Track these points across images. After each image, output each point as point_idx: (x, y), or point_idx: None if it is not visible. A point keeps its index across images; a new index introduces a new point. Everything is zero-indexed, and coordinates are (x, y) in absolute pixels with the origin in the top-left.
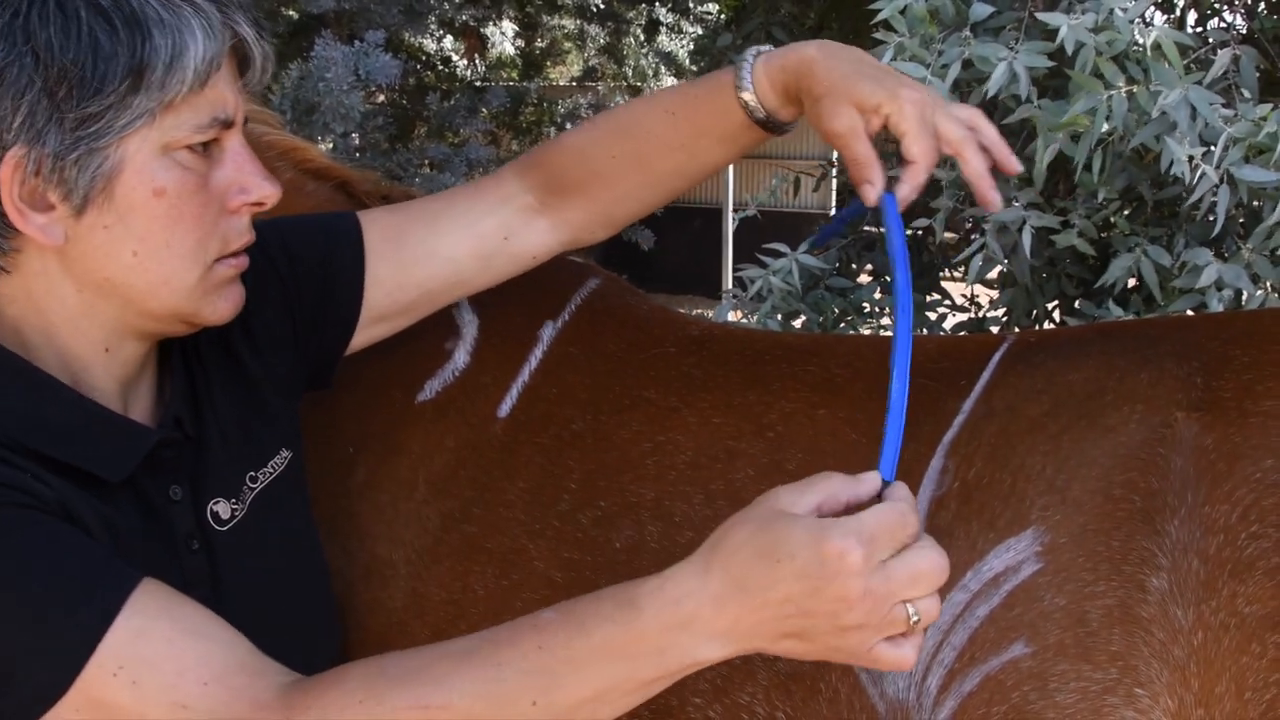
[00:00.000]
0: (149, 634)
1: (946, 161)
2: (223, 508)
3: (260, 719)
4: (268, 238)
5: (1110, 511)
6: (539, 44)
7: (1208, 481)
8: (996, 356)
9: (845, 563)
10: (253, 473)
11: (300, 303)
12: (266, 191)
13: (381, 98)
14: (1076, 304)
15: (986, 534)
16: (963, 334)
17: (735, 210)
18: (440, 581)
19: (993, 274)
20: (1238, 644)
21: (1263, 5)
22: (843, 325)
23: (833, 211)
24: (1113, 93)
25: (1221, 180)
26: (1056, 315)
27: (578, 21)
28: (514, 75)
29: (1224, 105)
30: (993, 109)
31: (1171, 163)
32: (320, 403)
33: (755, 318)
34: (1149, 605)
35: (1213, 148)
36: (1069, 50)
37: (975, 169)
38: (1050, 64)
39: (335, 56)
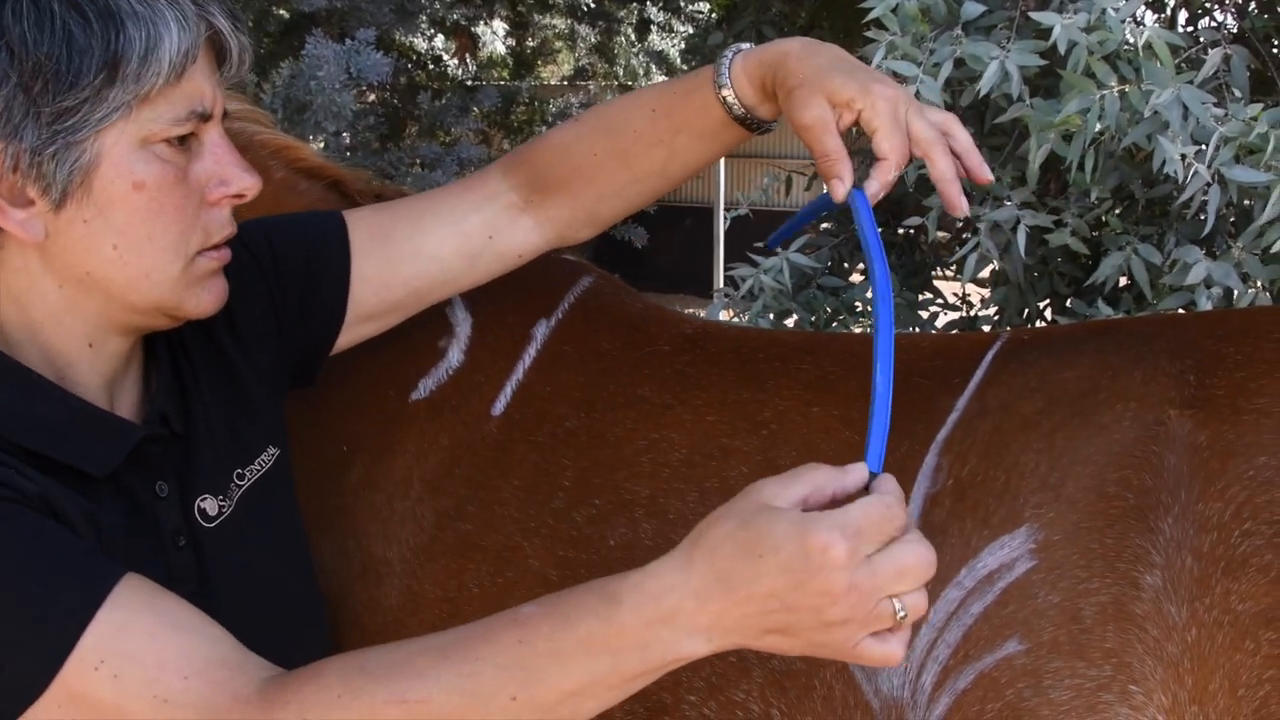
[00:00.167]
0: (131, 628)
1: None
2: (210, 504)
3: (240, 712)
4: (253, 235)
5: (1104, 509)
6: (529, 43)
7: (1201, 479)
8: (990, 354)
9: (829, 557)
10: (240, 470)
11: (285, 300)
12: (247, 183)
13: (372, 97)
14: (1068, 302)
15: (980, 531)
16: (956, 332)
17: (727, 209)
18: (435, 579)
19: (984, 273)
20: (1231, 641)
21: (1253, 5)
22: (835, 324)
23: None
24: (1105, 92)
25: (1213, 179)
26: (1048, 314)
27: (568, 21)
28: (504, 75)
29: (1215, 105)
30: (984, 108)
31: (1164, 162)
32: (315, 402)
33: (747, 317)
34: (1143, 602)
35: (1204, 147)
36: (1061, 49)
37: (942, 172)
38: (1042, 63)
39: (327, 55)
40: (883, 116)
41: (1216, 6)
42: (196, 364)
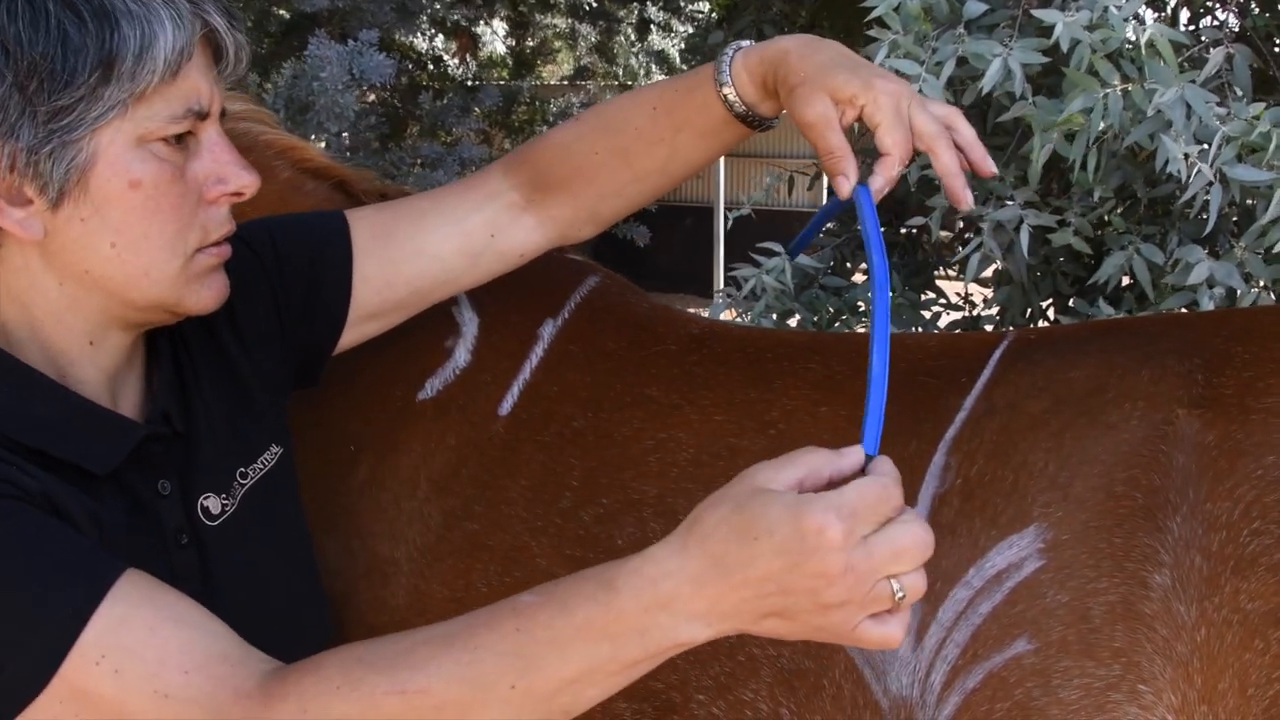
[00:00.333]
0: (131, 622)
1: None
2: (213, 503)
3: (241, 707)
4: (256, 236)
5: (1112, 508)
6: (529, 43)
7: (1209, 478)
8: (997, 354)
9: (824, 538)
10: (243, 468)
11: (288, 300)
12: (245, 181)
13: (372, 97)
14: (1071, 302)
15: (989, 531)
16: (961, 332)
17: (728, 209)
18: (443, 579)
19: (987, 272)
20: (1240, 640)
21: (1254, 4)
22: (837, 324)
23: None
24: (1108, 91)
25: (1215, 179)
26: (1051, 313)
27: (569, 20)
28: (504, 75)
29: (1218, 104)
30: (986, 107)
31: (1167, 161)
32: (321, 401)
33: (749, 317)
34: (1152, 602)
35: (1207, 146)
36: (1064, 48)
37: (946, 165)
38: (1045, 61)
39: (330, 56)
40: (885, 111)
41: (1218, 5)
42: (199, 362)
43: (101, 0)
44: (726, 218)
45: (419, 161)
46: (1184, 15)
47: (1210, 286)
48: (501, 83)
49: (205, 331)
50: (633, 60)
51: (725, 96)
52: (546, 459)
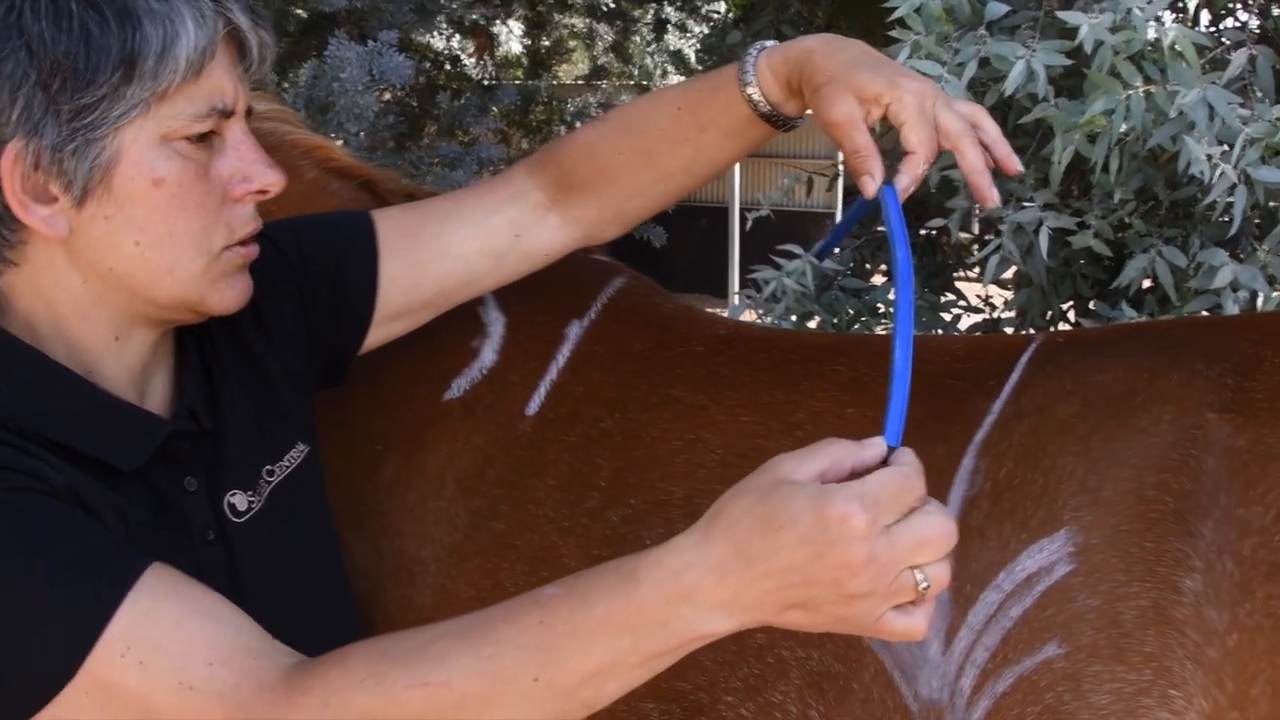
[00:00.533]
0: (156, 615)
1: None
2: (239, 500)
3: (265, 700)
4: (282, 235)
5: (1143, 513)
6: (544, 42)
7: (1241, 483)
8: (1025, 357)
9: (847, 527)
10: (269, 466)
11: (314, 299)
12: (270, 179)
13: (388, 96)
14: (1091, 305)
15: (1019, 534)
16: (989, 334)
17: (746, 210)
18: (469, 579)
19: (1006, 274)
20: (1273, 645)
21: (1276, 5)
22: (857, 326)
23: (839, 212)
24: (1131, 92)
25: (1239, 180)
26: (1071, 316)
27: (587, 20)
28: (519, 74)
29: (1240, 105)
30: (1008, 108)
31: (1189, 163)
32: (348, 401)
33: (770, 319)
34: (1183, 607)
35: (1230, 148)
36: (1088, 49)
37: (972, 163)
38: (1068, 63)
39: (350, 56)
40: (910, 110)
41: (1239, 6)
42: (226, 361)
43: (125, 0)
44: (745, 218)
45: (437, 161)
46: (1204, 17)
47: (1234, 290)
48: (519, 82)
49: (232, 330)
50: (648, 60)
51: (749, 96)
52: (573, 459)
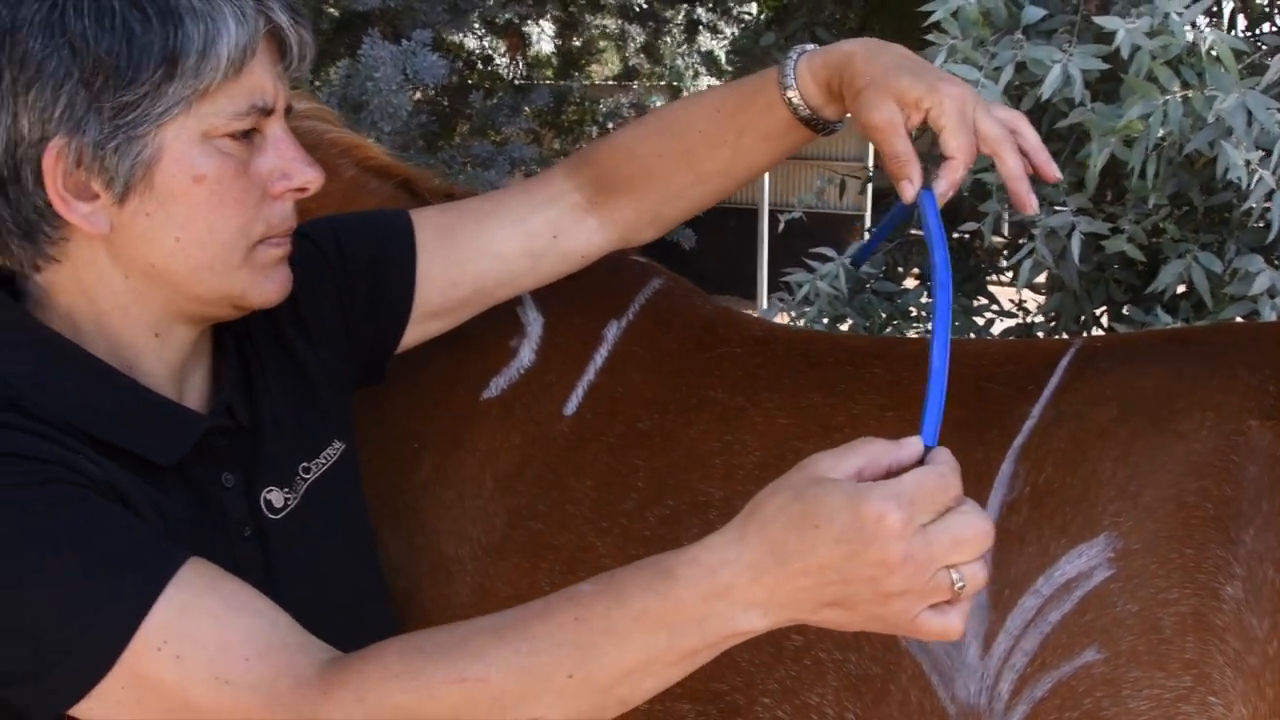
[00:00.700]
0: (194, 609)
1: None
2: (276, 496)
3: (300, 695)
4: (321, 234)
5: (1183, 519)
6: (575, 43)
7: None
8: (1064, 361)
9: (884, 526)
10: (306, 463)
11: (352, 297)
12: (309, 177)
13: (419, 95)
14: (1125, 310)
15: (1058, 539)
16: (1028, 339)
17: (778, 212)
18: (507, 578)
19: (1040, 279)
20: None
21: None
22: (889, 329)
23: (868, 214)
24: (1168, 97)
25: (1277, 186)
26: (1104, 320)
27: (619, 21)
28: (549, 74)
29: (1279, 110)
30: (1043, 112)
31: (1227, 169)
32: (386, 399)
33: (802, 321)
34: (1223, 613)
35: (1267, 153)
36: (1124, 54)
37: (1011, 169)
38: (1105, 67)
39: (384, 56)
40: (950, 115)
41: (1277, 11)
42: (265, 358)
43: None
44: (777, 220)
45: (469, 160)
46: (1241, 22)
47: (1271, 296)
48: (551, 83)
49: (271, 327)
50: (679, 61)
51: (789, 99)
52: (611, 459)
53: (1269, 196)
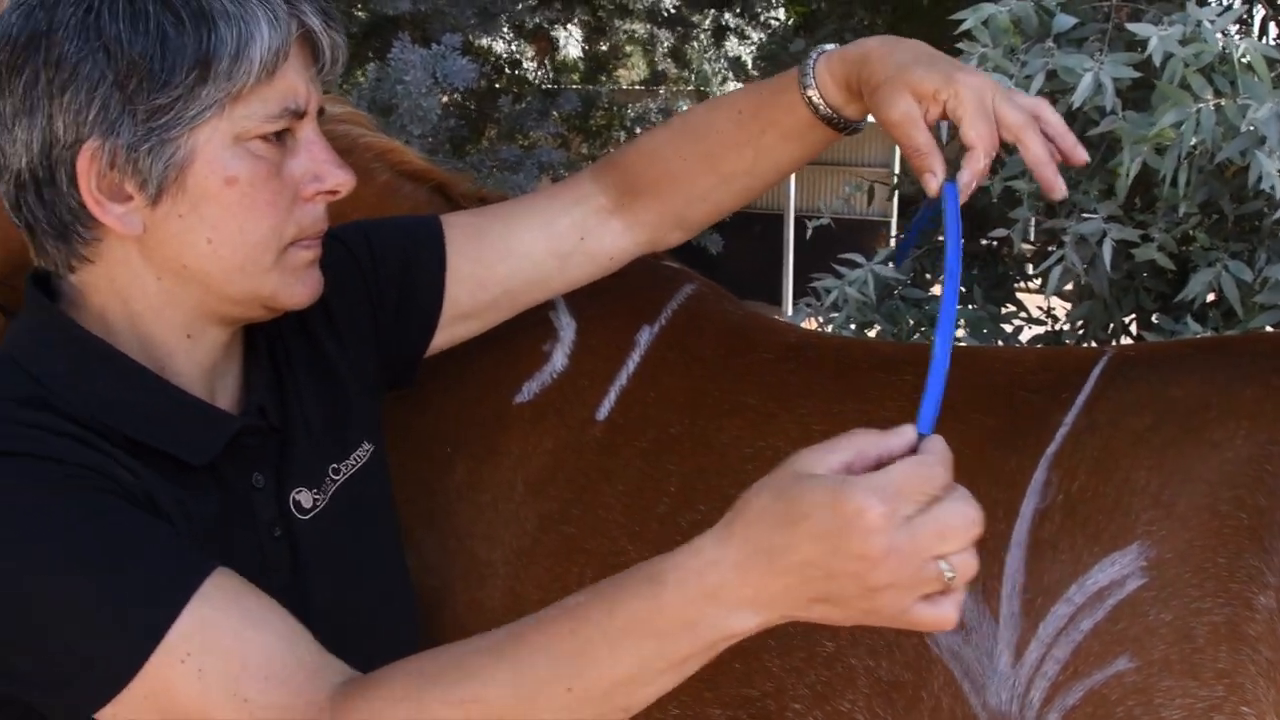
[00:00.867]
0: (217, 625)
1: (1025, 174)
2: (305, 497)
3: (312, 718)
4: (353, 238)
5: (1217, 528)
6: (602, 47)
7: None
8: (1097, 370)
9: (864, 520)
10: (335, 465)
11: (383, 300)
12: (340, 179)
13: (446, 99)
14: (1154, 318)
15: (1091, 547)
16: (1060, 347)
17: (805, 218)
18: (538, 582)
19: (1068, 286)
20: None
21: None
22: (916, 336)
23: (894, 221)
24: (1201, 106)
25: None
26: (1133, 329)
27: (647, 26)
28: (576, 78)
29: None
30: (1073, 120)
31: (1260, 177)
32: (419, 403)
33: (830, 327)
34: (1257, 623)
35: None
36: (1157, 62)
37: (1037, 154)
38: (1136, 75)
39: (413, 60)
40: (968, 104)
41: None
42: (295, 360)
43: (200, 1)
44: (803, 226)
45: (496, 164)
46: (1273, 30)
47: None
48: (578, 87)
49: (302, 330)
50: (706, 66)
51: (809, 98)
52: (644, 465)
53: None
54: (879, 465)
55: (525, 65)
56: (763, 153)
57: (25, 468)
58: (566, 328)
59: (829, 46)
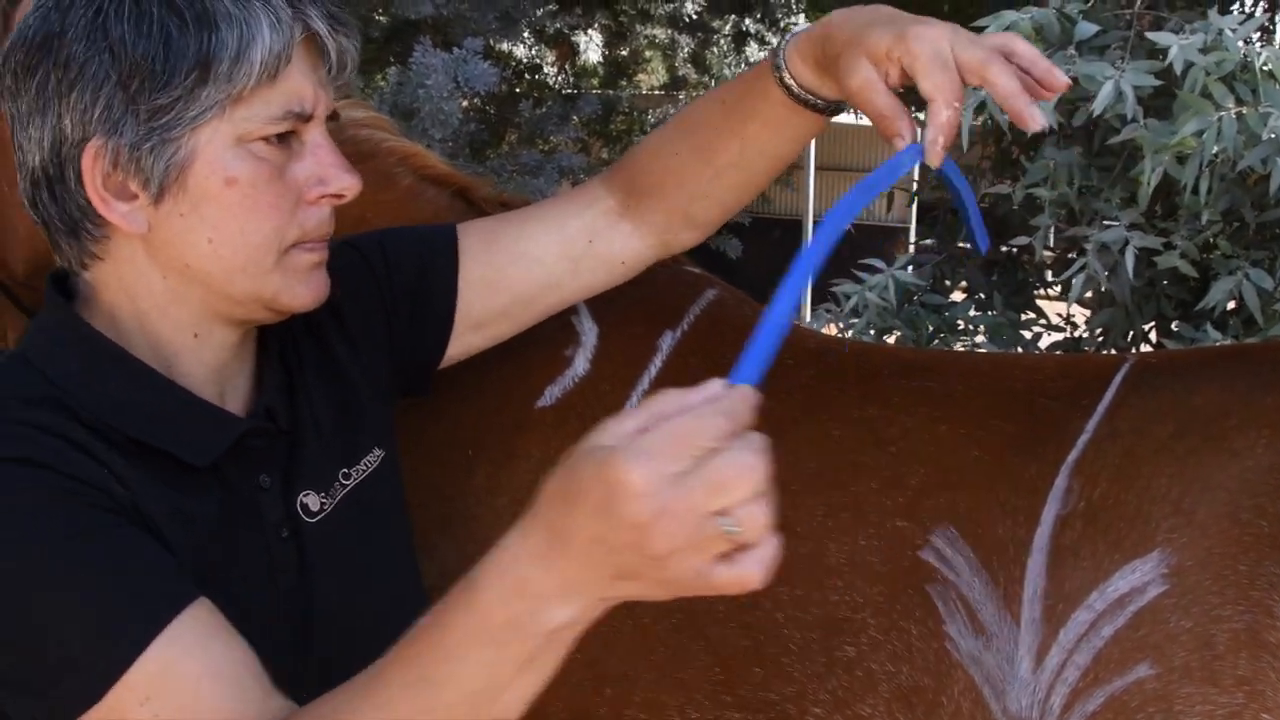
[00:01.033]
0: (178, 671)
1: (1047, 180)
2: (313, 500)
3: None
4: (368, 244)
5: (1238, 536)
6: (622, 52)
7: None
8: (1118, 377)
9: (626, 486)
10: (345, 469)
11: (396, 307)
12: (345, 183)
13: (466, 103)
14: (1174, 326)
15: (1112, 554)
16: (1080, 354)
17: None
18: None
19: (1088, 294)
20: None
21: None
22: (936, 341)
23: (913, 227)
24: (1222, 114)
25: None
26: (1153, 337)
27: (668, 31)
28: (595, 83)
29: None
30: (1094, 128)
31: None
32: (441, 406)
33: (850, 333)
34: (1277, 630)
35: None
36: (1178, 70)
37: (1003, 88)
38: (1158, 83)
39: (435, 64)
40: (922, 58)
41: None
42: (307, 364)
43: (205, 5)
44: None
45: (517, 169)
46: None
47: None
48: (599, 92)
49: (315, 335)
50: (726, 72)
51: (782, 81)
52: None
53: None
54: None
55: (546, 70)
56: (749, 143)
57: (10, 471)
58: (589, 332)
59: (805, 26)
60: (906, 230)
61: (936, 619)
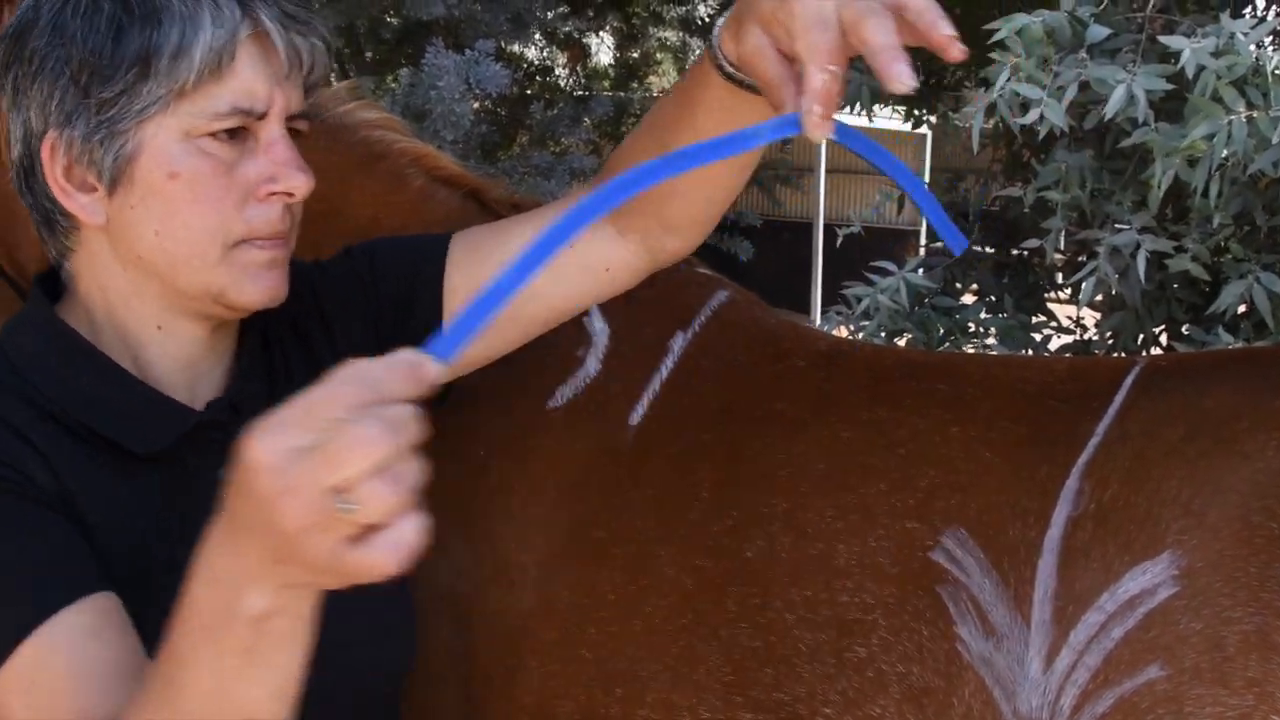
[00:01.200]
0: (52, 665)
1: (1058, 183)
2: None
3: None
4: (361, 253)
5: (1248, 538)
6: (634, 54)
7: None
8: (1129, 380)
9: (250, 461)
10: None
11: (381, 314)
12: (296, 182)
13: (477, 104)
14: (1185, 329)
15: (1122, 556)
16: (1091, 357)
17: (836, 227)
18: (569, 585)
19: (1098, 297)
20: None
21: None
22: (947, 344)
23: (923, 230)
24: (1233, 117)
25: None
26: (1164, 340)
27: (680, 34)
28: (606, 85)
29: None
30: (1106, 131)
31: None
32: (453, 406)
33: (861, 335)
34: None
35: None
36: (1190, 74)
37: (873, 42)
38: (1169, 87)
39: (447, 65)
40: (801, 17)
41: None
42: (291, 365)
43: (155, 2)
44: (832, 234)
45: (528, 170)
46: None
47: None
48: (610, 94)
49: (301, 340)
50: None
51: (715, 60)
52: (675, 471)
53: None
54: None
55: (557, 72)
56: (700, 132)
57: None
58: (600, 333)
59: None
60: (917, 233)
61: (947, 620)
